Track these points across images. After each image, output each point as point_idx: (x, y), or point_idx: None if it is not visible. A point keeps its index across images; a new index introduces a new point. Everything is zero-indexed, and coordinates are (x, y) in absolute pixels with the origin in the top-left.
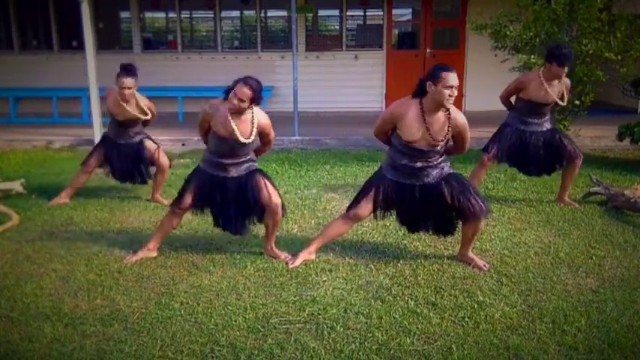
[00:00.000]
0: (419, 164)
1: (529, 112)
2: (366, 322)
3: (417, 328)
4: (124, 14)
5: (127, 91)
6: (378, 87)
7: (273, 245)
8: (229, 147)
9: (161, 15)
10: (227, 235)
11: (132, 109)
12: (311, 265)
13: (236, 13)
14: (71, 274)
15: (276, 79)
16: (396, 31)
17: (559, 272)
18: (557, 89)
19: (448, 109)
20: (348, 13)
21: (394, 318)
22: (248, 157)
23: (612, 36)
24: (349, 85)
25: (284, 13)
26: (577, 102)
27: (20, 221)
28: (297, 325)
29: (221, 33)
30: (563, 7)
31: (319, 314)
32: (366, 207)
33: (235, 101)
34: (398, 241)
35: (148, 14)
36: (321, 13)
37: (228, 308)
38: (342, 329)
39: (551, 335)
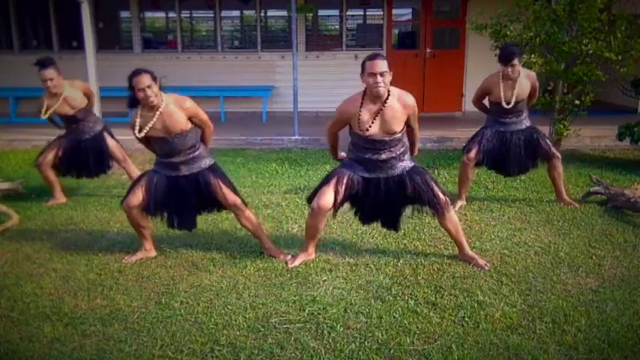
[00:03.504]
0: (383, 156)
1: (504, 113)
2: (366, 322)
3: (417, 327)
4: (124, 14)
5: (49, 83)
6: None
7: (272, 245)
8: (167, 144)
9: (161, 15)
10: (227, 234)
11: (69, 101)
12: (311, 265)
13: (236, 13)
14: (71, 274)
15: (276, 79)
16: (395, 31)
17: (559, 272)
18: (524, 86)
19: (388, 96)
20: (348, 13)
21: (394, 317)
22: (197, 152)
23: (612, 36)
24: (349, 84)
25: (284, 12)
26: (577, 102)
27: (20, 221)
28: (297, 324)
29: (221, 33)
30: (564, 7)
31: (319, 314)
32: (327, 196)
33: (142, 94)
34: (398, 241)
35: (148, 14)
36: (321, 13)
37: (228, 308)
38: (342, 329)
39: (551, 335)
